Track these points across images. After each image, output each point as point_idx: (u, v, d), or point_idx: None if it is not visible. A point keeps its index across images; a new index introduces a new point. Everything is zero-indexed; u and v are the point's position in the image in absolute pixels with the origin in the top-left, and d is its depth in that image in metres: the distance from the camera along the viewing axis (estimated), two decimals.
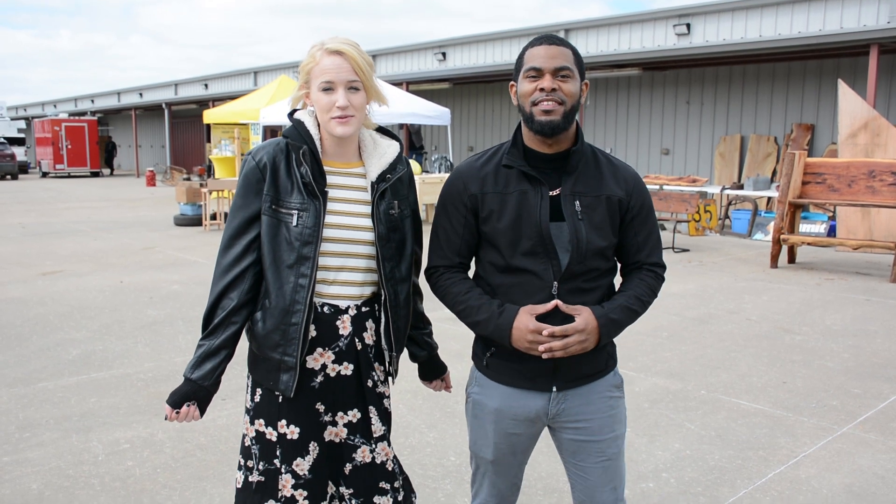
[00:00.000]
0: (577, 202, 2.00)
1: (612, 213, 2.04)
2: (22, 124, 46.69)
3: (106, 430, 4.18)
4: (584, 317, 1.96)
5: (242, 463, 2.16)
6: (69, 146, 33.90)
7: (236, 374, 5.04)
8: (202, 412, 2.09)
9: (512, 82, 2.07)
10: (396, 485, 2.20)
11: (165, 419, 2.07)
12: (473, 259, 2.16)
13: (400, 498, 2.20)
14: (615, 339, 2.16)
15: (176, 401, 2.05)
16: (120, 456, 3.83)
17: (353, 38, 2.05)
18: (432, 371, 2.43)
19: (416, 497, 2.30)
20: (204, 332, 2.05)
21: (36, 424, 4.24)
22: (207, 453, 3.86)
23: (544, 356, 1.95)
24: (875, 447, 4.01)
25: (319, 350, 2.06)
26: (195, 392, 2.06)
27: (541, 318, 1.97)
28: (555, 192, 2.01)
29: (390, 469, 2.18)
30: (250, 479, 2.13)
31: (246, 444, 2.14)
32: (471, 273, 2.17)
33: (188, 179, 26.40)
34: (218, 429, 4.18)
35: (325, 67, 1.98)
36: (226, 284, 2.02)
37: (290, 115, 2.10)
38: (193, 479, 3.57)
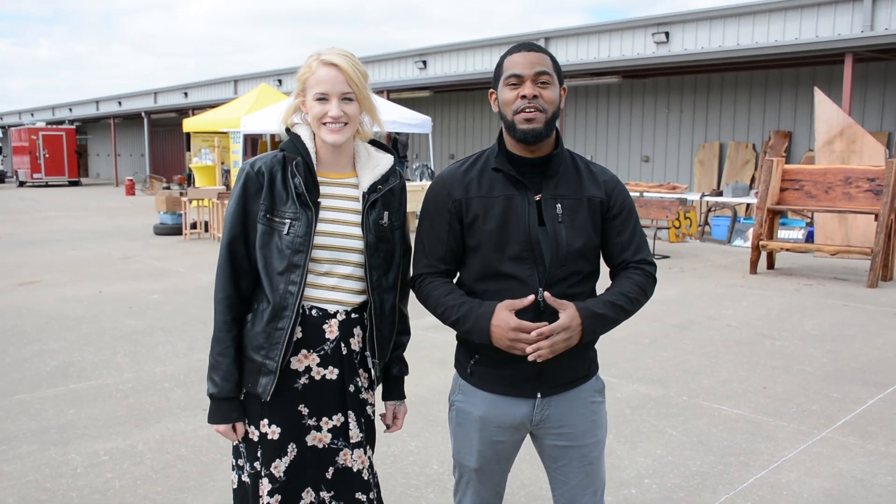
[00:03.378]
0: (559, 205, 2.01)
1: (594, 214, 2.05)
2: None
3: (84, 442, 4.12)
4: (568, 313, 1.93)
5: (234, 462, 2.19)
6: (47, 155, 33.55)
7: None
8: None
9: (492, 90, 2.08)
10: (372, 496, 2.20)
11: None
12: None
13: None
14: (596, 344, 2.17)
15: None
16: (99, 468, 3.79)
17: (347, 49, 2.09)
18: (394, 391, 2.34)
19: None
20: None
21: (12, 437, 4.18)
22: (188, 464, 3.83)
23: (530, 358, 1.91)
24: (854, 451, 4.04)
25: (304, 352, 2.08)
26: None
27: (522, 314, 1.96)
28: (538, 197, 2.02)
29: (366, 479, 2.18)
30: (243, 478, 2.16)
31: (235, 444, 2.17)
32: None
33: (168, 188, 26.20)
34: (199, 439, 4.14)
35: (320, 78, 2.03)
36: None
37: (288, 130, 2.15)
38: (174, 491, 3.53)
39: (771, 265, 10.18)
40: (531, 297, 1.95)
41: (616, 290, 2.05)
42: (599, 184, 2.08)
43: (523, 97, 1.95)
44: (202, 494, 3.50)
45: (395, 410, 2.33)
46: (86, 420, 4.45)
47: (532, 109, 1.95)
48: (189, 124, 17.77)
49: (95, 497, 3.48)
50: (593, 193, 2.05)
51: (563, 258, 1.99)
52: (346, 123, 2.05)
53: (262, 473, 2.09)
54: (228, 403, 2.09)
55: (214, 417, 2.10)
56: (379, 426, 2.35)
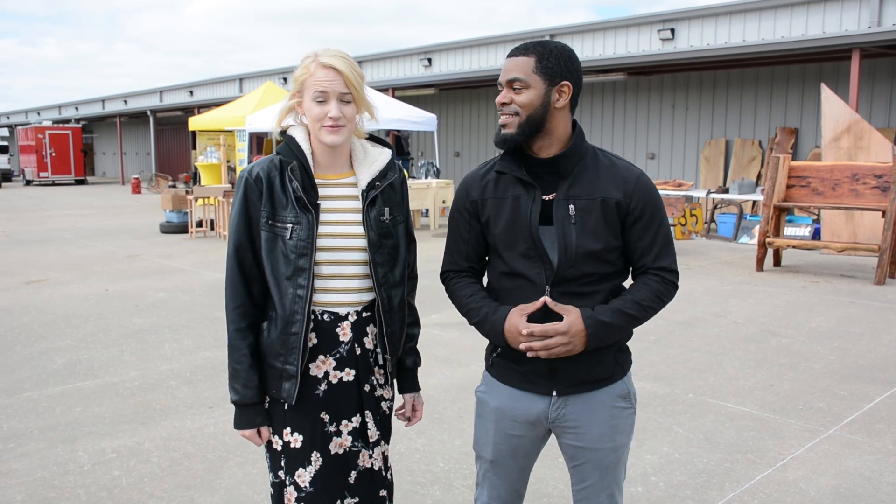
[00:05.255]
0: (572, 206, 2.00)
1: (610, 217, 2.00)
2: (5, 132, 46.33)
3: (92, 439, 4.14)
4: (569, 318, 1.94)
5: (270, 467, 2.23)
6: (53, 154, 33.65)
7: (223, 381, 5.02)
8: None
9: None
10: (389, 491, 2.23)
11: None
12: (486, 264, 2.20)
13: None
14: (630, 347, 2.18)
15: None
16: (106, 465, 3.80)
17: (343, 49, 2.11)
18: (409, 384, 2.35)
19: None
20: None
21: (20, 435, 4.20)
22: (195, 462, 3.84)
23: (528, 355, 1.96)
24: (861, 448, 4.03)
25: (321, 357, 2.10)
26: None
27: (534, 317, 1.98)
28: (550, 196, 2.02)
29: (384, 475, 2.21)
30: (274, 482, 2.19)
31: (265, 453, 2.21)
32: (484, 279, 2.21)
33: (174, 187, 26.26)
34: (205, 437, 4.15)
35: (318, 79, 2.04)
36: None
37: (283, 132, 2.16)
38: (181, 489, 3.54)
39: (777, 262, 10.15)
40: (542, 300, 1.97)
41: (629, 296, 2.02)
42: (619, 184, 2.02)
43: (500, 104, 2.02)
44: (209, 492, 3.51)
45: (413, 402, 2.34)
46: (93, 418, 4.46)
47: (504, 115, 2.00)
48: (195, 123, 17.81)
49: (102, 494, 3.49)
50: (609, 195, 2.00)
51: (571, 259, 1.99)
52: (343, 125, 2.05)
53: (287, 482, 2.12)
54: (252, 409, 2.11)
55: (239, 423, 2.12)
56: (397, 421, 2.35)
